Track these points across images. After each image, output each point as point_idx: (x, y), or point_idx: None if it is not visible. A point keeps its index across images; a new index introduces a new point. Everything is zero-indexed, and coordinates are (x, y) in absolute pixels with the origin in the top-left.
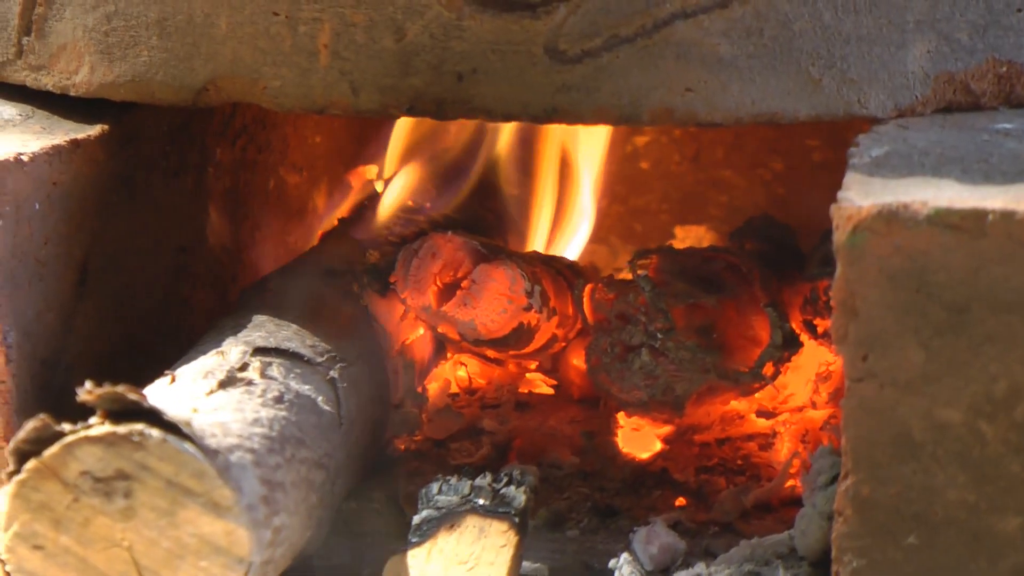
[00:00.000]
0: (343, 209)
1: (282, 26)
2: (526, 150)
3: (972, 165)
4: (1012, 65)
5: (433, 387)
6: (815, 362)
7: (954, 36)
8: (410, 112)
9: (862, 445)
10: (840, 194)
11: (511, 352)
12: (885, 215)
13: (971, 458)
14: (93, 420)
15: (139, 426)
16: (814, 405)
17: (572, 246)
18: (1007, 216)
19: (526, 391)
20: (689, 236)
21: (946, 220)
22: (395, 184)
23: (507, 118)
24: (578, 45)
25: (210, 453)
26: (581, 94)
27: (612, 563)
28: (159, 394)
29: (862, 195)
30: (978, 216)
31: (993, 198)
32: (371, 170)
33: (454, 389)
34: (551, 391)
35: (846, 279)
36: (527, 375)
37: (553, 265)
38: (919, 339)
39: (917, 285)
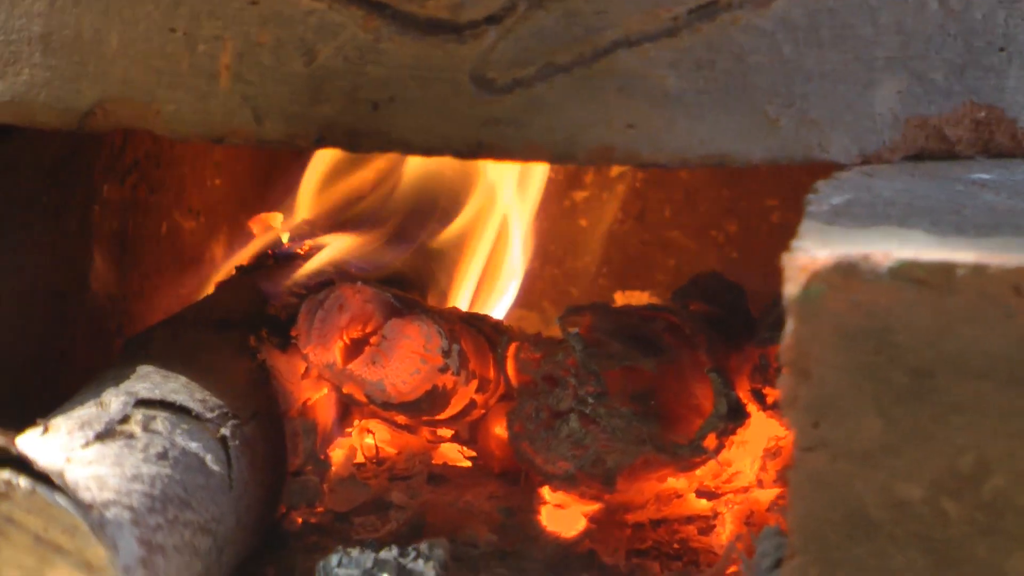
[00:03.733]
0: (242, 258)
1: (179, 44)
2: (451, 199)
3: (943, 217)
4: (992, 110)
5: (337, 454)
6: (763, 436)
7: (928, 76)
8: (319, 143)
9: (811, 522)
10: (794, 243)
11: (424, 418)
12: (843, 267)
13: (933, 540)
14: None
15: (5, 474)
16: (761, 484)
17: (498, 310)
18: (979, 271)
19: (440, 462)
20: (630, 303)
21: (911, 274)
22: (302, 230)
23: (427, 152)
24: (508, 73)
25: (83, 507)
26: (511, 128)
27: None
28: (30, 444)
29: (818, 245)
30: (947, 270)
31: (964, 251)
32: (275, 217)
33: (360, 458)
34: (468, 463)
35: (798, 337)
36: (441, 445)
37: (475, 324)
38: (878, 406)
39: (877, 346)
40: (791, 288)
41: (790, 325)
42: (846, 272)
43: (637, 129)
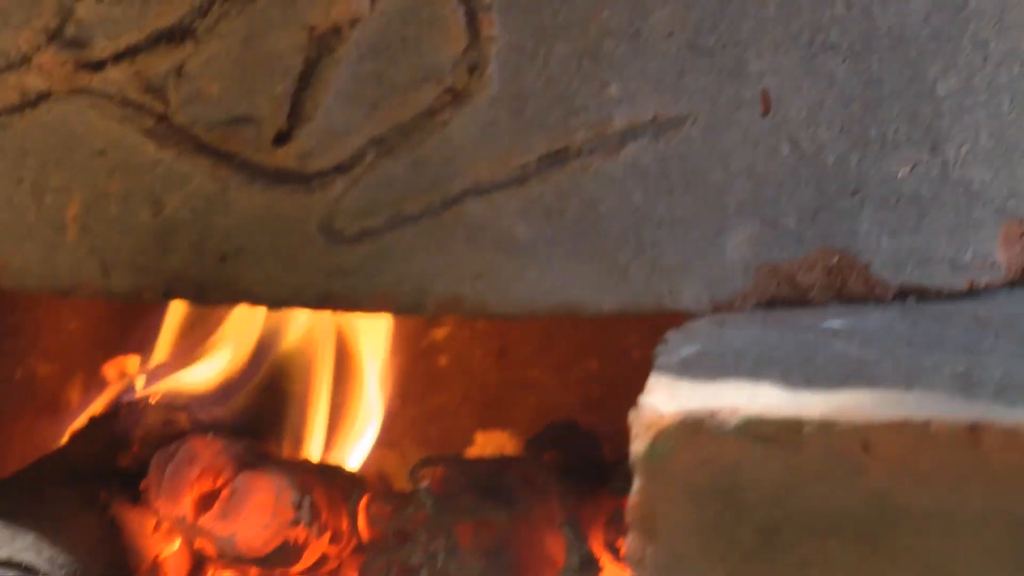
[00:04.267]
0: (98, 404)
1: (26, 195)
2: (305, 343)
3: (794, 367)
4: (844, 255)
5: None
6: None
7: (780, 222)
8: (167, 296)
9: None
10: (642, 398)
11: (277, 571)
12: (690, 424)
13: None
14: None
15: None
16: None
17: (357, 451)
18: (826, 427)
19: None
20: (491, 442)
21: (758, 431)
22: (157, 376)
23: (276, 304)
24: (357, 223)
25: None
26: (359, 278)
27: None
28: None
29: (666, 400)
30: (793, 427)
31: (812, 406)
32: (132, 362)
33: None
34: None
35: (645, 495)
36: None
37: (328, 474)
38: (725, 565)
39: (725, 503)
40: (637, 446)
41: (637, 483)
42: (693, 429)
43: (485, 279)
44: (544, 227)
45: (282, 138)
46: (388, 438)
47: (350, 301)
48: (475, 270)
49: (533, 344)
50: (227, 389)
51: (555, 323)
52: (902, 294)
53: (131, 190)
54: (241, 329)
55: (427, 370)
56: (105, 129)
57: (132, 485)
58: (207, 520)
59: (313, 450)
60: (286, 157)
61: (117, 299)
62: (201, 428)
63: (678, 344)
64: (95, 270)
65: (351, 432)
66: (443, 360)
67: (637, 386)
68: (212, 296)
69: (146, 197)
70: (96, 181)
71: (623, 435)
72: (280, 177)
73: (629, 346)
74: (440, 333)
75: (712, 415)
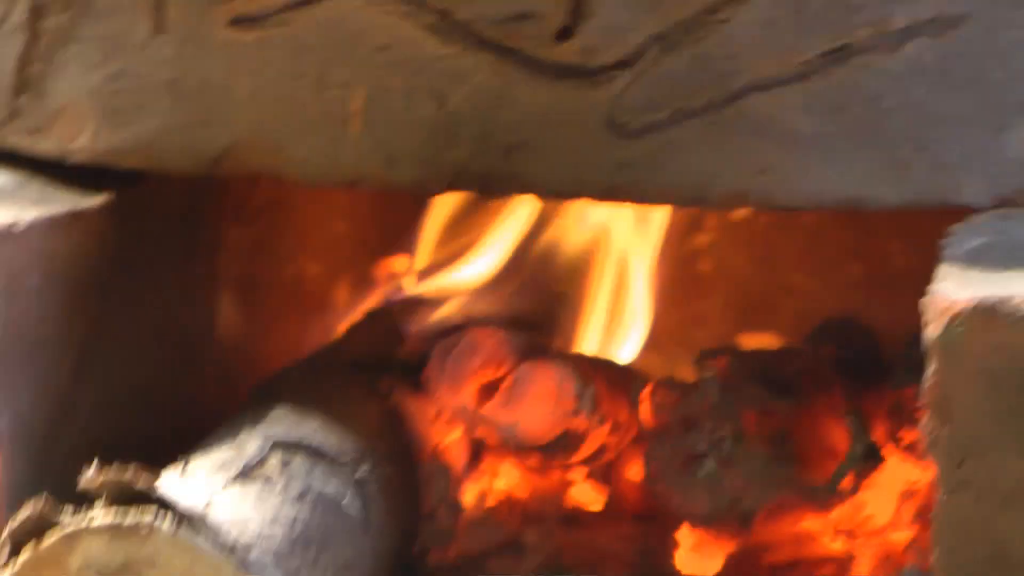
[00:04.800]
0: (369, 303)
1: (308, 90)
2: (574, 244)
3: None
4: None
5: (469, 497)
6: (898, 479)
7: None
8: (451, 187)
9: (954, 564)
10: (933, 286)
11: (557, 460)
12: (983, 309)
13: None
14: (97, 508)
15: (148, 517)
16: (897, 526)
17: (623, 354)
18: None
19: (573, 505)
20: (754, 346)
21: None
22: (427, 274)
23: (560, 196)
24: (641, 118)
25: (227, 549)
26: (643, 172)
27: None
28: (170, 485)
29: (958, 288)
30: None
31: None
32: (400, 262)
33: (492, 500)
34: (600, 506)
35: (940, 379)
36: (574, 487)
37: (605, 367)
38: (1022, 446)
39: (1020, 386)
40: (932, 331)
41: (931, 367)
42: (987, 315)
43: (769, 173)
44: (827, 122)
45: (564, 34)
46: (653, 341)
47: (634, 194)
48: (759, 164)
49: (796, 249)
50: (498, 286)
51: (818, 228)
52: None
53: (414, 85)
54: (506, 229)
55: (690, 275)
56: (387, 25)
57: (412, 375)
58: (489, 409)
59: (585, 348)
60: (569, 52)
61: (401, 191)
62: (477, 323)
63: (964, 237)
64: (379, 162)
65: (618, 334)
66: (706, 265)
67: (901, 293)
68: (497, 188)
69: (429, 92)
70: (379, 76)
71: (891, 337)
72: (563, 72)
73: (892, 252)
74: (703, 239)
75: (1005, 301)
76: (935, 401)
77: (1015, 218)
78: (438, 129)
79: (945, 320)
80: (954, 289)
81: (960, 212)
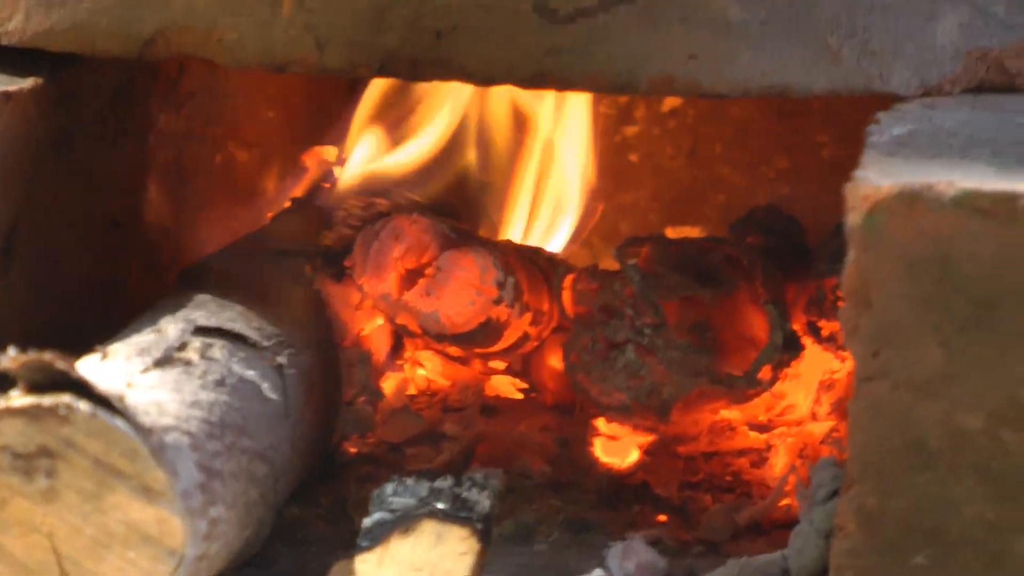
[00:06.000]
0: (298, 190)
1: None
2: (502, 134)
3: (1005, 148)
4: None
5: (390, 385)
6: (818, 370)
7: (989, 9)
8: (381, 72)
9: (870, 451)
10: (856, 173)
11: (477, 350)
12: (906, 196)
13: (992, 470)
14: (15, 391)
15: (66, 398)
16: (814, 417)
17: (549, 245)
18: None
19: (493, 395)
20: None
21: (974, 203)
22: (355, 163)
23: (490, 81)
24: (572, 3)
25: (144, 431)
26: (573, 57)
27: None
28: (90, 369)
29: (881, 174)
30: (1010, 200)
31: None
32: (329, 151)
33: (412, 390)
34: (520, 396)
35: (860, 266)
36: (494, 377)
37: (529, 256)
38: (939, 335)
39: (939, 275)
40: (854, 217)
41: (852, 254)
42: (909, 201)
43: (699, 59)
44: (756, 9)
45: None
46: (578, 233)
47: (563, 79)
48: (688, 50)
49: (723, 143)
50: (425, 174)
51: (745, 122)
52: None
53: None
54: (434, 117)
55: (618, 167)
56: None
57: (336, 263)
58: (411, 296)
59: (511, 237)
60: None
61: (331, 75)
62: (401, 210)
63: (890, 124)
64: (310, 45)
65: (545, 224)
66: (633, 157)
67: (828, 185)
68: (426, 72)
69: None
70: None
71: (817, 229)
72: None
73: (820, 144)
74: (631, 131)
75: (929, 187)
76: (854, 288)
77: (941, 107)
78: (369, 12)
79: (867, 206)
80: (877, 176)
81: (888, 102)
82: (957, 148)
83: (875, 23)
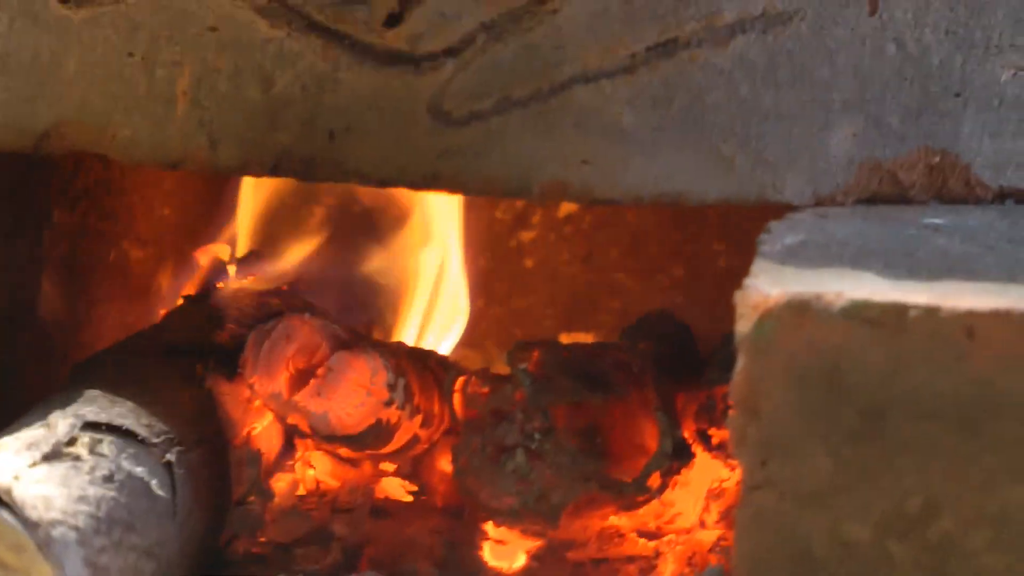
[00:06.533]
0: (191, 287)
1: (137, 69)
2: (397, 236)
3: (896, 259)
4: (946, 155)
5: (280, 485)
6: (707, 478)
7: (884, 120)
8: (275, 171)
9: (755, 561)
10: (747, 281)
11: (367, 452)
12: (796, 305)
13: None
14: None
15: None
16: (703, 525)
17: (441, 348)
18: (931, 312)
19: (382, 496)
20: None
21: (864, 314)
22: (247, 261)
23: (383, 183)
24: (466, 106)
25: (31, 525)
26: (467, 160)
27: None
28: None
29: (771, 283)
30: (899, 311)
31: (917, 293)
32: (223, 249)
33: (302, 490)
34: (410, 498)
35: (748, 375)
36: (384, 479)
37: (421, 359)
38: (827, 446)
39: (828, 385)
40: (743, 325)
41: (741, 362)
42: (799, 310)
43: (592, 165)
44: (651, 116)
45: (393, 20)
46: (472, 337)
47: (457, 182)
48: (582, 156)
49: (619, 249)
50: (317, 277)
51: (641, 229)
52: (1001, 196)
53: (241, 66)
54: (326, 217)
55: (513, 272)
56: (217, 6)
57: (228, 362)
58: (302, 396)
59: (404, 340)
60: (397, 39)
61: (224, 173)
62: (294, 310)
63: (781, 233)
64: (204, 143)
65: (438, 329)
66: (529, 262)
67: (723, 294)
68: (320, 173)
69: (256, 74)
70: (207, 56)
71: (711, 338)
72: (390, 58)
73: (715, 254)
74: (527, 236)
75: (818, 297)
76: (742, 397)
77: (833, 216)
78: (263, 111)
79: (756, 315)
80: (767, 284)
81: (782, 212)
82: (848, 258)
83: (769, 131)
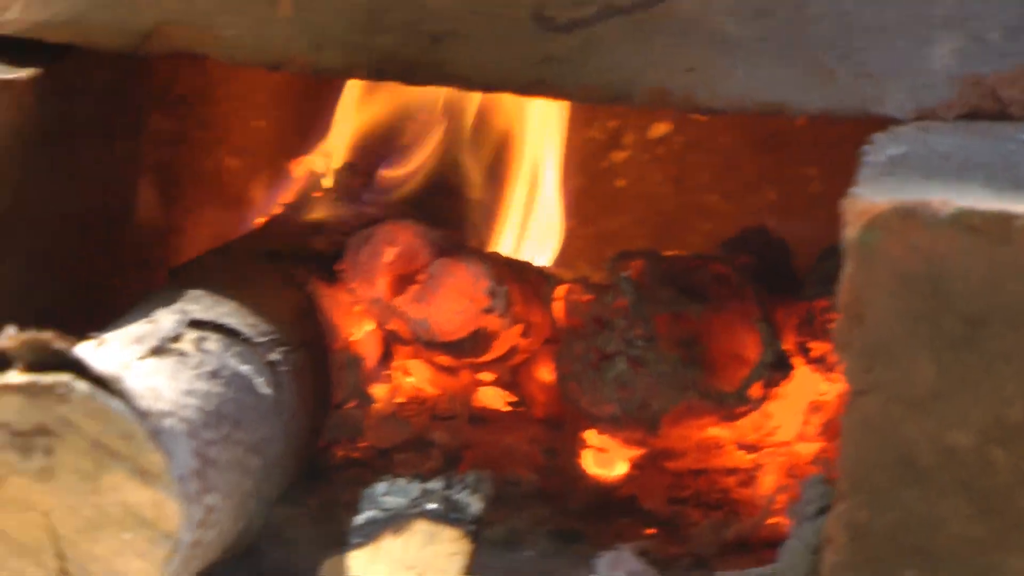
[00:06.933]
0: (287, 197)
1: None
2: (492, 152)
3: (998, 172)
4: None
5: (379, 391)
6: (806, 391)
7: (984, 36)
8: (377, 75)
9: (860, 466)
10: (853, 190)
11: (466, 360)
12: (902, 212)
13: (979, 488)
14: (13, 370)
15: (64, 377)
16: (803, 438)
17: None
18: None
19: (480, 406)
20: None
21: (969, 222)
22: (343, 174)
23: (485, 88)
24: (568, 13)
25: (141, 413)
26: (568, 67)
27: None
28: (86, 353)
29: (877, 191)
30: (1004, 220)
31: (1020, 204)
32: (318, 160)
33: (401, 396)
34: (508, 408)
35: (854, 281)
36: (482, 389)
37: (520, 270)
38: (931, 352)
39: (932, 291)
40: (850, 232)
41: (847, 269)
42: (904, 217)
43: (694, 74)
44: (753, 26)
45: None
46: (563, 257)
47: (559, 88)
48: (684, 64)
49: (711, 171)
50: (414, 184)
51: (733, 151)
52: None
53: None
54: (427, 129)
55: (605, 192)
56: None
57: (328, 267)
58: (402, 302)
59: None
60: None
61: (326, 75)
62: (392, 217)
63: (885, 145)
64: (306, 46)
65: (530, 249)
66: (621, 183)
67: (814, 219)
68: (421, 76)
69: None
70: None
71: (809, 256)
72: None
73: (807, 179)
74: (619, 156)
75: (924, 205)
76: (848, 303)
77: (935, 130)
78: (367, 14)
79: (863, 222)
80: (873, 193)
81: (880, 128)
82: (951, 170)
83: (870, 45)
